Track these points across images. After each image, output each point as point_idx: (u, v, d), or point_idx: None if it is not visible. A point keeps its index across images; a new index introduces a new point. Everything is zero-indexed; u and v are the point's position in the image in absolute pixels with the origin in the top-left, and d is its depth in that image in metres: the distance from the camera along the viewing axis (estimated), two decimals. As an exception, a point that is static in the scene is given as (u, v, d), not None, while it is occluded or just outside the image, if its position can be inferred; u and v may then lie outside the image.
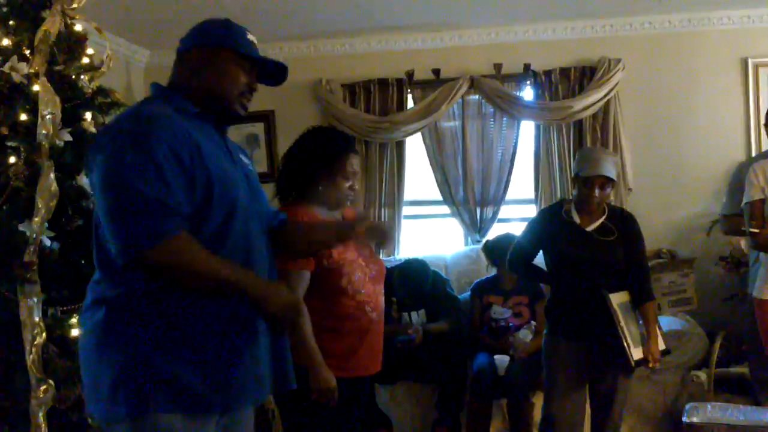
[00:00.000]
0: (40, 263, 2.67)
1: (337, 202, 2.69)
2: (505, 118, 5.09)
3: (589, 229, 3.15)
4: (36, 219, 2.67)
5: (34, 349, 2.63)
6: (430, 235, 5.55)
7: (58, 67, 2.93)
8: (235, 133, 2.01)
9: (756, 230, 3.32)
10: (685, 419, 3.39)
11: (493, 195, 5.12)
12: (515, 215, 5.26)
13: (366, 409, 2.98)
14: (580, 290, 3.12)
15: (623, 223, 3.18)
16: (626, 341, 3.03)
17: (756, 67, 4.85)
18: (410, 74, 5.17)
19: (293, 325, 1.94)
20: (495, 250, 4.24)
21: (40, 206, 2.68)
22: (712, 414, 3.39)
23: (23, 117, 2.78)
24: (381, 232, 2.33)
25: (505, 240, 4.18)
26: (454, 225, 5.30)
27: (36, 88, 2.79)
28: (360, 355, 2.64)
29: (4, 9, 2.92)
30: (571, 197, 3.40)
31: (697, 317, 4.26)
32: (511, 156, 5.09)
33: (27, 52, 2.87)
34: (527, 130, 5.13)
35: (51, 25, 2.88)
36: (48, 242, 2.72)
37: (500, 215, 5.17)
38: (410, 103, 5.19)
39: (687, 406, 3.48)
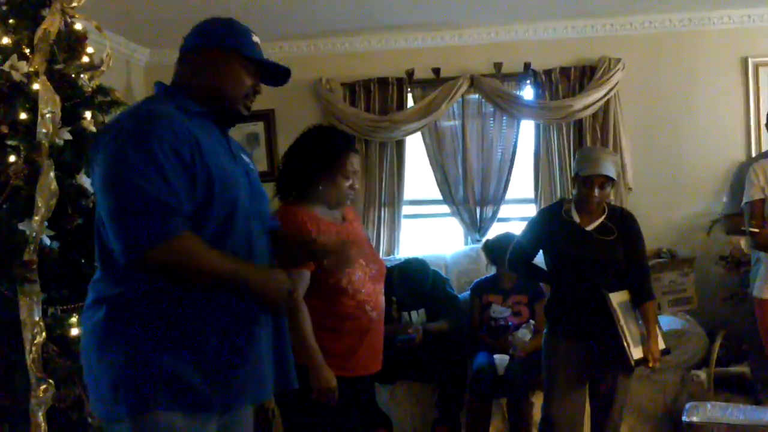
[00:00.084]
0: (40, 262, 2.68)
1: (338, 201, 2.69)
2: (505, 118, 5.09)
3: (589, 228, 3.15)
4: (36, 218, 2.67)
5: (33, 349, 2.63)
6: (429, 234, 5.55)
7: (58, 66, 2.93)
8: (236, 132, 2.01)
9: (756, 230, 3.32)
10: (685, 419, 3.39)
11: (492, 194, 5.12)
12: (515, 215, 5.26)
13: (366, 408, 2.98)
14: (580, 290, 3.12)
15: (623, 222, 3.18)
16: (626, 341, 3.02)
17: (756, 66, 4.85)
18: (410, 73, 5.17)
19: (291, 309, 1.96)
20: (495, 250, 4.24)
21: (39, 205, 2.68)
22: (712, 413, 3.39)
23: (23, 116, 2.78)
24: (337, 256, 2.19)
25: (504, 239, 4.18)
26: (454, 224, 5.29)
27: (36, 86, 2.80)
28: (360, 355, 2.64)
29: (4, 7, 2.92)
30: (570, 197, 3.40)
31: (697, 317, 4.26)
32: (511, 155, 5.09)
33: (27, 50, 2.87)
34: (527, 129, 5.13)
35: (51, 23, 2.88)
36: (48, 241, 2.72)
37: (500, 215, 5.17)
38: (410, 102, 5.19)
39: (687, 406, 3.48)
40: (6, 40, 2.86)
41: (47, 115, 2.76)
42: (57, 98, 2.80)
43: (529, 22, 4.99)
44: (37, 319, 2.64)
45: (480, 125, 5.14)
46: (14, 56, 2.81)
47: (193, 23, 2.03)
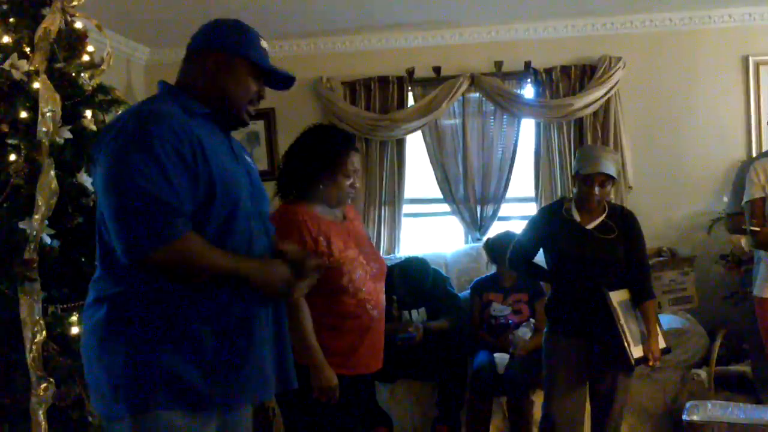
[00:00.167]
0: (41, 261, 2.68)
1: (338, 200, 2.69)
2: (505, 116, 5.08)
3: (590, 227, 3.15)
4: (36, 216, 2.68)
5: (34, 347, 2.63)
6: (430, 233, 5.55)
7: (58, 65, 2.93)
8: (236, 132, 2.02)
9: (756, 228, 3.32)
10: (685, 417, 3.39)
11: (493, 193, 5.12)
12: (515, 213, 5.26)
13: (366, 407, 2.99)
14: (581, 288, 3.12)
15: (623, 221, 3.18)
16: (626, 339, 3.02)
17: (757, 65, 4.85)
18: (411, 72, 5.17)
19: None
20: (495, 248, 4.25)
21: (40, 204, 2.68)
22: (712, 412, 3.39)
23: (23, 114, 2.78)
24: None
25: (505, 238, 4.18)
26: (455, 223, 5.29)
27: (36, 85, 2.80)
28: (361, 353, 2.64)
29: (5, 6, 2.92)
30: (571, 195, 3.40)
31: (697, 315, 4.26)
32: (512, 154, 5.09)
33: (27, 49, 2.88)
34: (528, 128, 5.13)
35: (51, 22, 2.88)
36: (48, 240, 2.72)
37: (500, 213, 5.17)
38: (411, 101, 5.19)
39: (687, 405, 3.48)
40: (6, 39, 2.86)
41: (47, 114, 2.76)
42: (57, 97, 2.80)
43: (530, 20, 4.99)
44: (37, 317, 2.65)
45: (480, 124, 5.14)
46: (14, 55, 2.82)
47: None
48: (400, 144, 5.21)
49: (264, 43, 2.00)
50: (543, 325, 3.51)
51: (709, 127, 4.93)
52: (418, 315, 4.22)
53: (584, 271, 3.11)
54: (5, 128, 2.77)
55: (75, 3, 3.01)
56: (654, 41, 4.98)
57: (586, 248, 3.12)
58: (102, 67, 3.13)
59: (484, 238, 4.70)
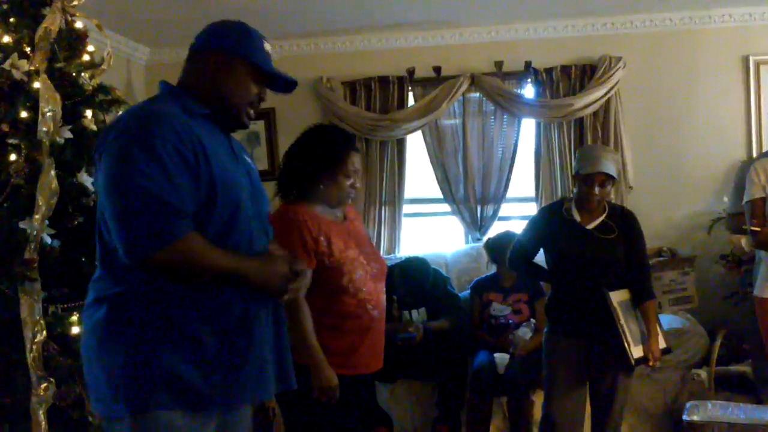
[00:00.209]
0: (41, 261, 2.68)
1: (339, 200, 2.69)
2: (505, 116, 5.08)
3: (590, 227, 3.15)
4: (36, 216, 2.68)
5: (34, 347, 2.63)
6: (430, 233, 5.55)
7: (58, 65, 2.93)
8: (237, 131, 2.02)
9: (757, 228, 3.32)
10: (685, 417, 3.39)
11: (493, 193, 5.11)
12: (516, 213, 5.26)
13: (367, 407, 2.99)
14: (581, 288, 3.12)
15: (624, 221, 3.18)
16: (626, 340, 3.02)
17: (757, 65, 4.84)
18: (411, 72, 5.17)
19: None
20: (494, 248, 4.25)
21: (40, 204, 2.68)
22: (712, 412, 3.39)
23: (24, 114, 2.78)
24: None
25: (505, 238, 4.18)
26: (455, 223, 5.29)
27: (36, 85, 2.80)
28: (361, 353, 2.64)
29: (5, 6, 2.93)
30: (571, 195, 3.40)
31: (697, 315, 4.26)
32: (512, 154, 5.09)
33: (27, 49, 2.88)
34: (528, 127, 5.13)
35: (51, 22, 2.88)
36: (48, 240, 2.73)
37: (501, 213, 5.17)
38: (411, 101, 5.18)
39: (687, 405, 3.48)
40: (7, 39, 2.87)
41: (48, 114, 2.76)
42: (58, 97, 2.80)
43: (530, 20, 4.99)
44: (37, 317, 2.65)
45: (481, 124, 5.14)
46: (15, 55, 2.82)
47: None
48: (401, 144, 5.21)
49: (267, 46, 2.00)
50: (543, 325, 3.51)
51: (710, 126, 4.93)
52: (418, 315, 4.22)
53: (584, 271, 3.11)
54: (6, 128, 2.78)
55: (75, 3, 3.01)
56: (654, 41, 4.98)
57: (587, 248, 3.12)
58: (102, 66, 3.14)
59: (485, 238, 4.70)
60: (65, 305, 2.76)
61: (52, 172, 2.72)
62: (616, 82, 4.86)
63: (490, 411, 3.89)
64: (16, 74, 2.80)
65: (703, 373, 4.11)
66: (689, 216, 4.90)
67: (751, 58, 4.85)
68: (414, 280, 4.22)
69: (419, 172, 5.35)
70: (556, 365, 3.22)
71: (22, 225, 2.67)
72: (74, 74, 2.98)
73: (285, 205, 2.67)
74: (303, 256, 2.51)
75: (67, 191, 2.78)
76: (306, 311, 2.53)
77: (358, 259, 2.64)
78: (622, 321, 3.05)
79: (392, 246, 5.22)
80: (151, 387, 1.75)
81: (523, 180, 5.22)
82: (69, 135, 2.84)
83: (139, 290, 1.78)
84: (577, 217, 3.17)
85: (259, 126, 5.31)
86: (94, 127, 2.93)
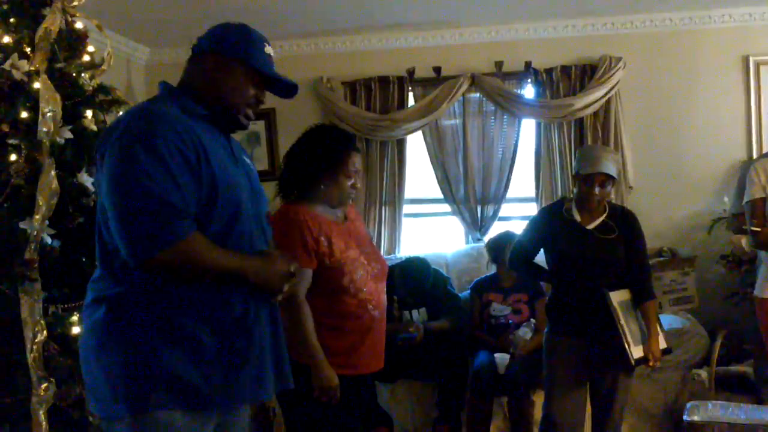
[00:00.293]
0: (41, 261, 2.68)
1: (340, 200, 2.69)
2: (505, 116, 5.08)
3: (590, 227, 3.15)
4: (37, 217, 2.67)
5: (35, 347, 2.63)
6: (430, 233, 5.55)
7: (58, 65, 2.93)
8: (237, 132, 2.03)
9: (757, 229, 3.32)
10: (686, 418, 3.39)
11: (493, 193, 5.11)
12: (516, 213, 5.26)
13: (367, 407, 2.98)
14: (581, 289, 3.12)
15: (624, 221, 3.18)
16: (626, 340, 3.02)
17: (757, 65, 4.84)
18: (411, 72, 5.17)
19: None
20: (494, 248, 4.26)
21: (40, 204, 2.68)
22: (712, 412, 3.39)
23: (24, 114, 2.78)
24: None
25: (505, 238, 4.19)
26: (455, 223, 5.29)
27: (37, 85, 2.80)
28: (362, 353, 2.64)
29: (5, 6, 2.92)
30: (571, 195, 3.40)
31: (697, 316, 4.25)
32: (512, 154, 5.09)
33: (28, 49, 2.88)
34: (528, 128, 5.13)
35: (51, 22, 2.88)
36: (49, 240, 2.72)
37: (501, 213, 5.17)
38: (411, 101, 5.18)
39: (688, 405, 3.48)
40: (7, 39, 2.86)
41: (48, 114, 2.76)
42: (58, 97, 2.80)
43: (530, 20, 4.99)
44: (38, 317, 2.65)
45: (481, 124, 5.14)
46: (15, 55, 2.82)
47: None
48: (401, 144, 5.21)
49: (268, 49, 2.00)
50: (543, 325, 3.51)
51: (710, 127, 4.93)
52: (418, 315, 4.22)
53: (585, 271, 3.11)
54: (6, 128, 2.77)
55: (75, 3, 3.01)
56: (654, 41, 4.98)
57: (587, 248, 3.11)
58: (102, 67, 3.14)
59: (486, 239, 4.70)
60: (65, 305, 2.76)
61: (53, 173, 2.72)
62: (617, 83, 4.86)
63: (490, 411, 3.89)
64: (17, 74, 2.80)
65: (703, 374, 4.11)
66: (689, 216, 4.90)
67: (751, 59, 4.85)
68: (414, 281, 4.22)
69: (419, 172, 5.35)
70: (557, 365, 3.22)
71: (22, 225, 2.67)
72: (74, 74, 2.98)
73: (286, 206, 2.67)
74: (303, 256, 2.52)
75: (68, 191, 2.78)
76: (307, 311, 2.54)
77: (358, 259, 2.64)
78: (623, 321, 3.04)
79: (392, 246, 5.22)
80: (150, 387, 1.75)
81: (523, 180, 5.22)
82: (69, 135, 2.84)
83: (138, 290, 1.78)
84: (578, 218, 3.17)
85: (259, 126, 5.31)
86: (95, 128, 2.93)
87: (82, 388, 2.63)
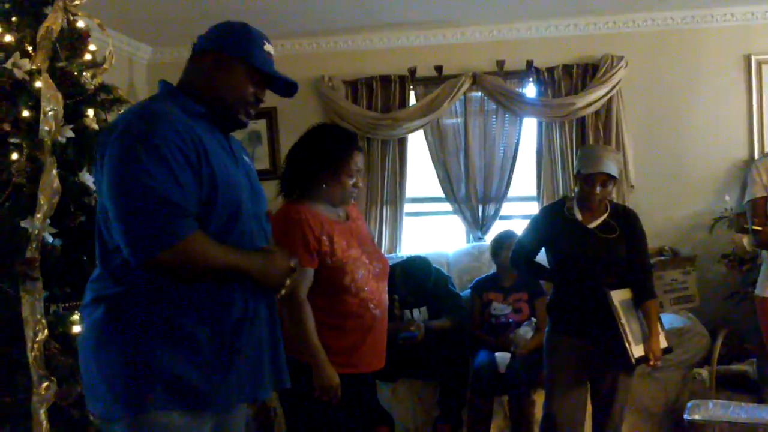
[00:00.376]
0: (42, 260, 2.68)
1: (342, 199, 2.69)
2: (507, 115, 5.08)
3: (591, 226, 3.14)
4: (38, 216, 2.68)
5: (35, 346, 2.63)
6: (432, 232, 5.55)
7: (60, 64, 2.93)
8: (238, 131, 2.03)
9: (758, 228, 3.32)
10: (686, 417, 3.39)
11: (495, 192, 5.11)
12: (517, 212, 5.26)
13: (368, 406, 2.98)
14: (582, 288, 3.12)
15: (625, 220, 3.18)
16: (627, 339, 3.02)
17: (759, 64, 4.84)
18: (412, 71, 5.16)
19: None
20: (495, 248, 4.26)
21: (42, 203, 2.68)
22: (713, 411, 3.39)
23: (25, 113, 2.78)
24: None
25: (505, 237, 4.19)
26: (456, 222, 5.29)
27: (38, 84, 2.80)
28: (363, 352, 2.65)
29: (7, 5, 2.92)
30: (573, 194, 3.39)
31: (699, 315, 4.26)
32: (514, 153, 5.09)
33: (29, 48, 2.87)
34: (529, 127, 5.13)
35: (53, 21, 2.88)
36: (50, 239, 2.72)
37: (502, 212, 5.17)
38: (412, 100, 5.19)
39: (689, 404, 3.48)
40: (9, 38, 2.86)
41: (50, 113, 2.76)
42: (59, 96, 2.80)
43: (532, 19, 4.99)
44: (39, 316, 2.65)
45: (482, 123, 5.13)
46: (17, 54, 2.82)
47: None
48: (402, 143, 5.21)
49: (269, 47, 2.00)
50: (544, 324, 3.51)
51: (711, 126, 4.92)
52: (419, 314, 4.22)
53: (586, 270, 3.11)
54: (7, 127, 2.77)
55: (77, 2, 3.00)
56: (656, 40, 4.97)
57: (588, 248, 3.11)
58: (104, 66, 3.13)
59: (490, 238, 4.70)
60: (67, 304, 2.76)
61: (54, 172, 2.72)
62: (618, 82, 4.86)
63: (491, 410, 3.89)
64: (18, 73, 2.79)
65: (704, 373, 4.11)
66: (691, 215, 4.90)
67: (753, 57, 4.84)
68: (415, 280, 4.22)
69: (421, 171, 5.35)
70: (557, 365, 3.22)
71: (23, 224, 2.67)
72: (76, 73, 2.98)
73: (287, 205, 2.67)
74: (305, 255, 2.52)
75: (69, 190, 2.78)
76: (308, 310, 2.54)
77: (360, 258, 2.64)
78: (623, 320, 3.04)
79: (393, 245, 5.22)
80: (149, 387, 1.75)
81: (524, 179, 5.22)
82: (71, 134, 2.84)
83: (138, 290, 1.78)
84: (579, 217, 3.17)
85: (260, 125, 5.31)
86: (96, 127, 2.93)
87: (82, 387, 2.63)
